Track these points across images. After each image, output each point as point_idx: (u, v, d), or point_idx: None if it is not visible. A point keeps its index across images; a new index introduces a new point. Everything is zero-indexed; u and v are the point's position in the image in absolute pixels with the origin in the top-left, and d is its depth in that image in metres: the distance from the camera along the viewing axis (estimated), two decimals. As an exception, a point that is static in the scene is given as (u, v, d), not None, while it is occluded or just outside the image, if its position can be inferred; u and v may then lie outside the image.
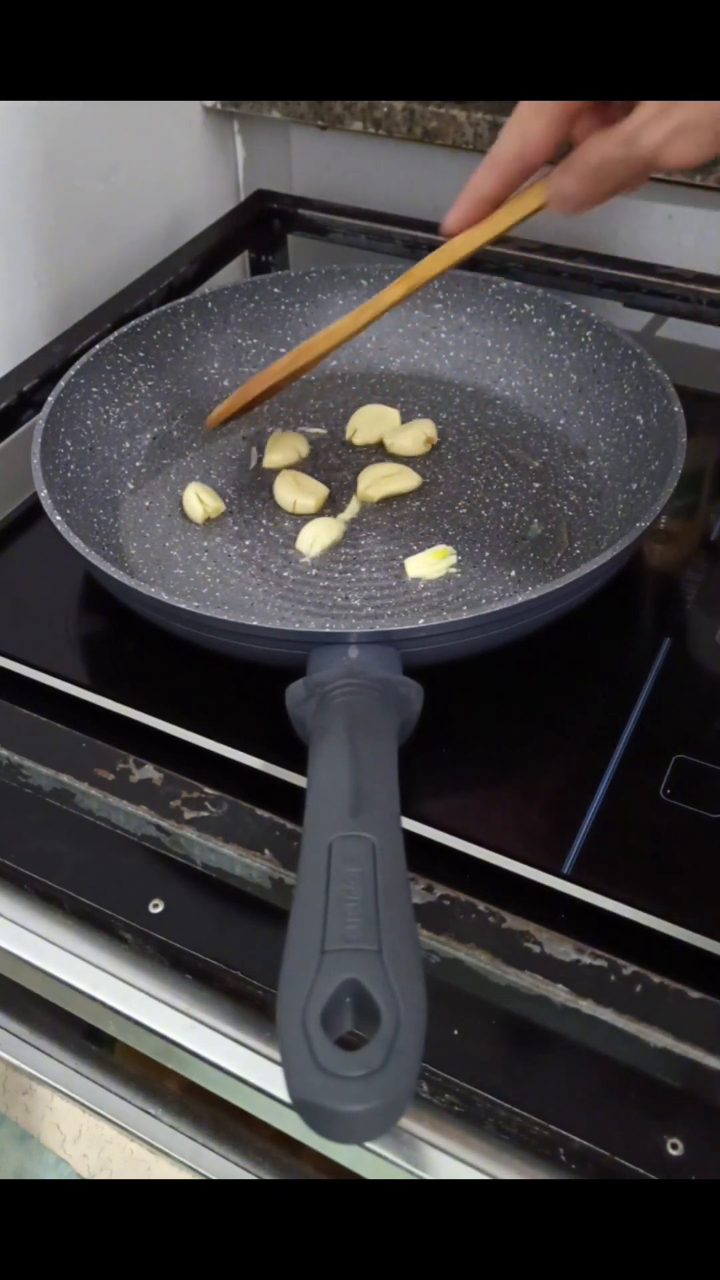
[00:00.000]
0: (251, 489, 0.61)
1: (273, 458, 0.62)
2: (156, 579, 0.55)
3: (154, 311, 0.66)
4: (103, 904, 0.44)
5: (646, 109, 0.39)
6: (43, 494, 0.52)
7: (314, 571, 0.55)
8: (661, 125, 0.39)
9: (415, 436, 0.62)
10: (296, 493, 0.59)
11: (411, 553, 0.56)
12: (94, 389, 0.62)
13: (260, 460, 0.63)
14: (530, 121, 0.44)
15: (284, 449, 0.62)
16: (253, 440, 0.64)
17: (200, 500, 0.58)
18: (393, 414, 0.64)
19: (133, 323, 0.65)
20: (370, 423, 0.64)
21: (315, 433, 0.64)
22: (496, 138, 0.45)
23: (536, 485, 0.60)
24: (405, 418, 0.65)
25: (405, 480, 0.60)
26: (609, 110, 0.43)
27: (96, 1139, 0.70)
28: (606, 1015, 0.35)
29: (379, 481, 0.60)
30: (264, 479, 0.61)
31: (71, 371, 0.60)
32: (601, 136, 0.42)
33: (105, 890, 0.45)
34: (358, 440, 0.63)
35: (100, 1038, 0.54)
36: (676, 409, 0.54)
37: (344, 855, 0.35)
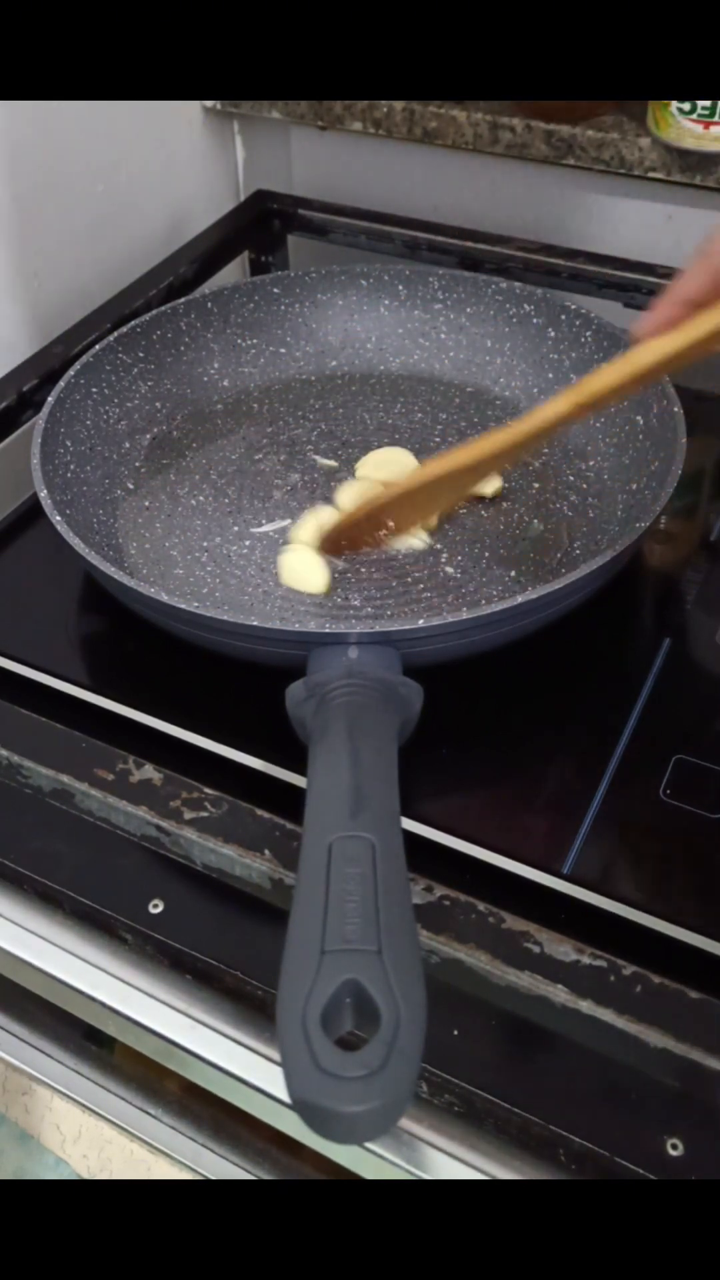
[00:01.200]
0: (251, 489, 0.61)
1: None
2: (156, 579, 0.55)
3: (154, 312, 0.66)
4: (103, 904, 0.44)
5: None
6: (42, 494, 0.52)
7: (314, 572, 0.55)
8: None
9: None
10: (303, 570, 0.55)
11: (411, 554, 0.56)
12: (94, 389, 0.62)
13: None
14: None
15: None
16: (252, 442, 0.64)
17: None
18: (408, 458, 0.61)
19: (133, 323, 0.65)
20: (380, 467, 0.61)
21: (327, 465, 0.62)
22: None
23: (536, 485, 0.60)
24: (405, 417, 0.65)
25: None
26: None
27: (96, 1139, 0.70)
28: (606, 1016, 0.35)
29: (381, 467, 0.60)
30: (265, 480, 0.62)
31: (71, 372, 0.60)
32: None
33: (105, 890, 0.45)
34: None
35: (100, 1038, 0.54)
36: (676, 409, 0.54)
37: (344, 855, 0.35)
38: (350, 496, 0.58)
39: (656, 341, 0.41)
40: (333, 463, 0.62)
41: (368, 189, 0.86)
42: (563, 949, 0.36)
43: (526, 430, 0.45)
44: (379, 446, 0.63)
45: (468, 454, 0.46)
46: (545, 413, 0.44)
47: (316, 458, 0.63)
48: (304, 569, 0.54)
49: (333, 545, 0.54)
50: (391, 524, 0.52)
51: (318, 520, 0.56)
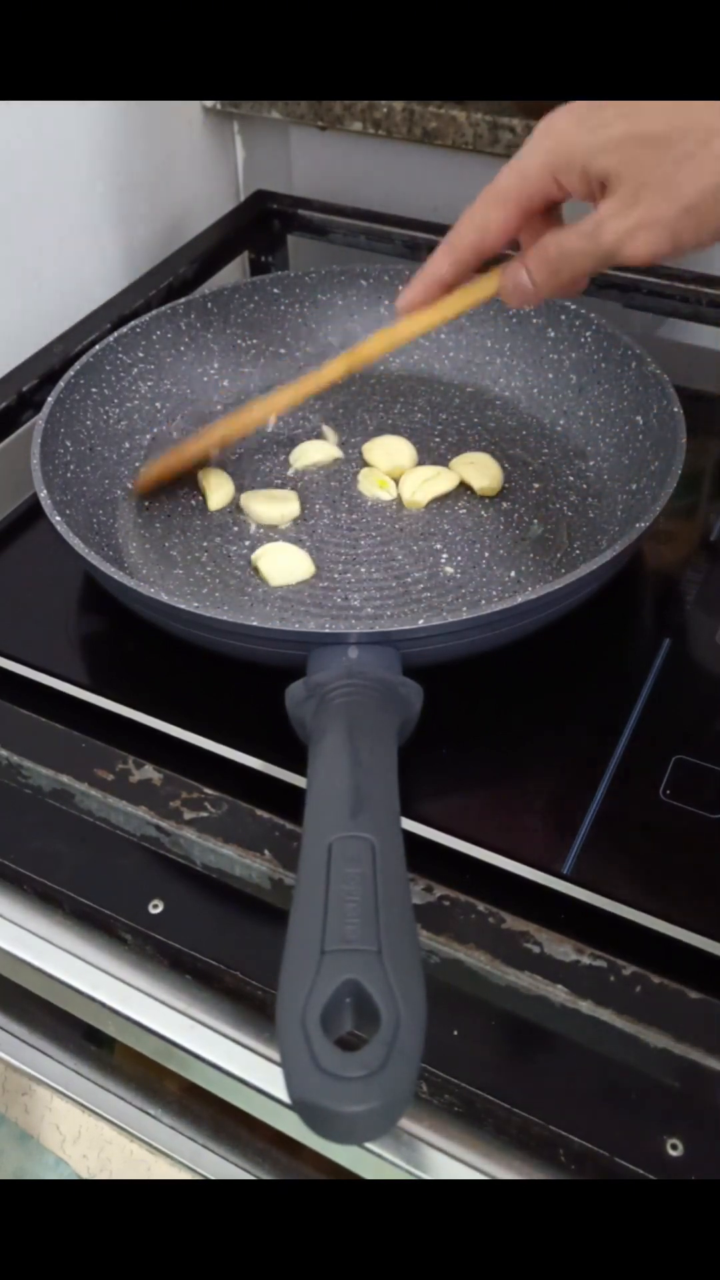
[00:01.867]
0: (251, 489, 0.61)
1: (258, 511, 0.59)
2: (156, 579, 0.55)
3: (154, 312, 0.66)
4: (102, 904, 0.44)
5: (610, 205, 0.41)
6: (42, 494, 0.52)
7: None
8: (624, 220, 0.41)
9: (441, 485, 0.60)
10: (267, 504, 0.59)
11: (411, 554, 0.56)
12: (94, 389, 0.62)
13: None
14: (490, 211, 0.46)
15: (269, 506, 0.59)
16: (250, 442, 0.64)
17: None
18: (408, 448, 0.62)
19: (132, 323, 0.65)
20: (384, 455, 0.62)
21: (333, 456, 0.63)
22: (502, 164, 0.45)
23: (536, 485, 0.60)
24: (405, 418, 0.65)
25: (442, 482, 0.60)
26: (556, 217, 0.46)
27: (96, 1139, 0.70)
28: (606, 1016, 0.35)
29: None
30: (265, 480, 0.62)
31: (71, 372, 0.60)
32: (563, 230, 0.44)
33: (105, 891, 0.45)
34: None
35: (100, 1038, 0.54)
36: (676, 410, 0.54)
37: (344, 856, 0.35)
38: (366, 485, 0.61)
39: (415, 316, 0.51)
40: (339, 454, 0.63)
41: (368, 189, 0.86)
42: (563, 949, 0.36)
43: (306, 389, 0.56)
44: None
45: (263, 409, 0.58)
46: (323, 375, 0.55)
47: (325, 426, 0.64)
48: (289, 562, 0.55)
49: (149, 487, 0.60)
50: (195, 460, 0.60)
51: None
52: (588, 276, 0.45)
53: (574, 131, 0.42)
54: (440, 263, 0.48)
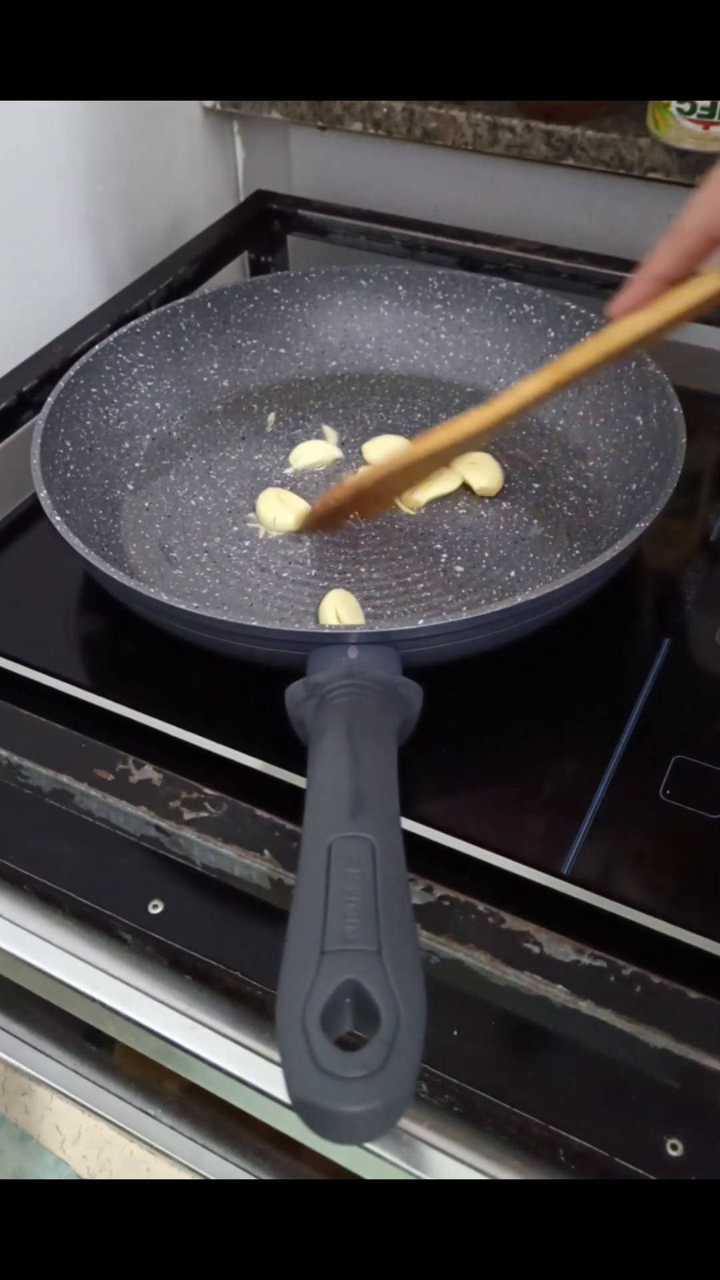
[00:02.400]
0: (251, 490, 0.61)
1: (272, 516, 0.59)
2: (156, 579, 0.55)
3: (154, 312, 0.66)
4: (102, 905, 0.44)
5: None
6: (42, 494, 0.52)
7: (313, 572, 0.55)
8: None
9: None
10: (278, 508, 0.58)
11: (411, 554, 0.56)
12: (93, 389, 0.62)
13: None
14: None
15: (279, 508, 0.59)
16: (252, 442, 0.64)
17: (337, 614, 0.52)
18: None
19: (132, 323, 0.65)
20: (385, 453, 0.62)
21: (332, 456, 0.63)
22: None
23: (536, 485, 0.60)
24: (405, 418, 0.65)
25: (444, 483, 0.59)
26: None
27: (96, 1140, 0.70)
28: (606, 1016, 0.35)
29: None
30: (264, 480, 0.62)
31: (71, 372, 0.60)
32: None
33: (105, 891, 0.45)
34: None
35: (100, 1038, 0.54)
36: (676, 409, 0.54)
37: (344, 856, 0.35)
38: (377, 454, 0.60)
39: (631, 319, 0.43)
40: (338, 453, 0.63)
41: (368, 189, 0.86)
42: (562, 949, 0.36)
43: (508, 407, 0.47)
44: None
45: (452, 432, 0.48)
46: (525, 390, 0.46)
47: (325, 426, 0.64)
48: (282, 506, 0.56)
49: (317, 524, 0.56)
50: (374, 502, 0.55)
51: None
52: None
53: None
54: (663, 254, 0.42)
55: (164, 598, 0.46)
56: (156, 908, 0.44)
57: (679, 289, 0.42)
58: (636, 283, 0.43)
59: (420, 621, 0.45)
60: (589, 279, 0.73)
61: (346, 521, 0.56)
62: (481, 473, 0.59)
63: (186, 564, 0.56)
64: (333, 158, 0.87)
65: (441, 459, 0.51)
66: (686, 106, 0.65)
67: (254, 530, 0.58)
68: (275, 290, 0.69)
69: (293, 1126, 0.42)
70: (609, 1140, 0.37)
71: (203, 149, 0.86)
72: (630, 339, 0.43)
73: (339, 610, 0.51)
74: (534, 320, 0.66)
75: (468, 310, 0.68)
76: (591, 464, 0.60)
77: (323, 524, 0.56)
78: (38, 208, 0.71)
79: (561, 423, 0.63)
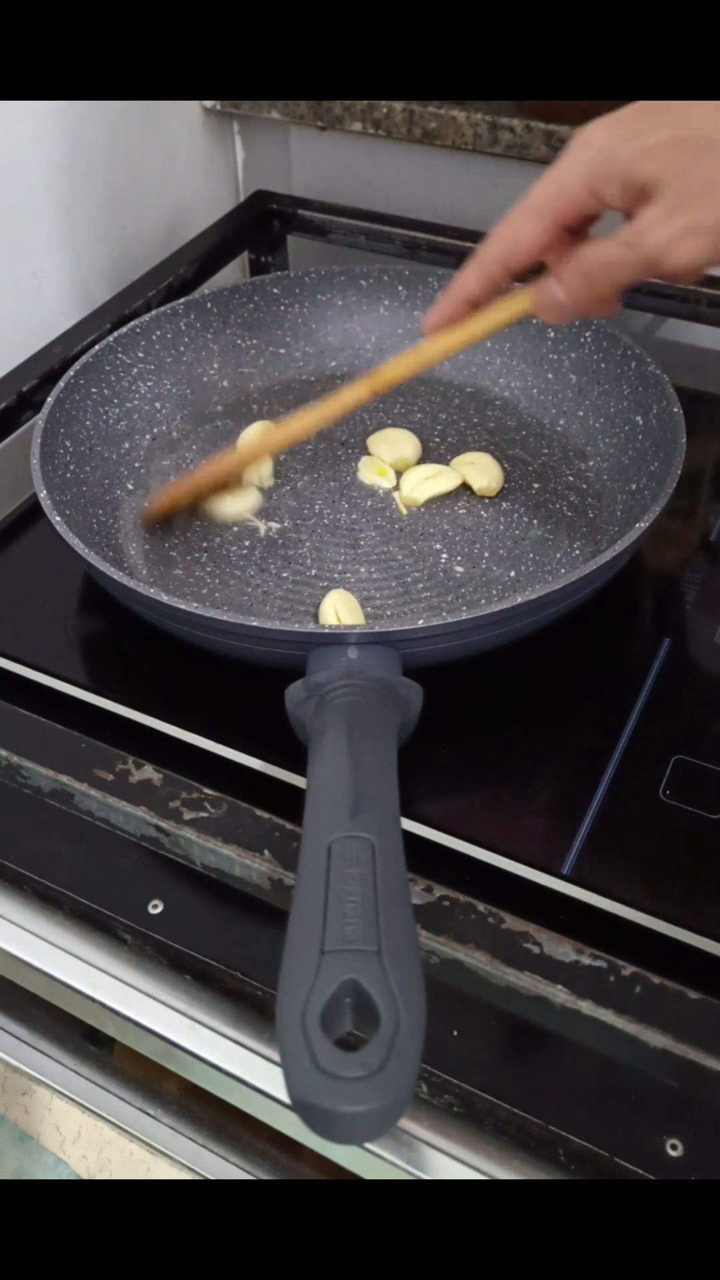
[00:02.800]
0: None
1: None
2: (156, 580, 0.55)
3: (153, 312, 0.66)
4: (102, 905, 0.44)
5: (653, 212, 0.39)
6: (42, 494, 0.52)
7: (313, 572, 0.55)
8: (668, 227, 0.39)
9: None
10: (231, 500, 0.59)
11: (411, 554, 0.56)
12: (93, 390, 0.62)
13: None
14: (522, 224, 0.43)
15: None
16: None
17: (337, 614, 0.52)
18: (409, 437, 0.63)
19: (132, 323, 0.65)
20: (389, 448, 0.62)
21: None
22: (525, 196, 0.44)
23: (536, 485, 0.60)
24: (405, 418, 0.65)
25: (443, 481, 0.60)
26: (585, 237, 0.44)
27: (96, 1140, 0.70)
28: (606, 1016, 0.35)
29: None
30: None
31: (71, 372, 0.60)
32: (600, 242, 0.42)
33: (105, 891, 0.45)
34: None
35: (100, 1039, 0.54)
36: (676, 410, 0.54)
37: (343, 856, 0.35)
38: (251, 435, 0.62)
39: (440, 337, 0.48)
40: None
41: (367, 189, 0.86)
42: (562, 949, 0.36)
43: (327, 413, 0.53)
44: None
45: (281, 435, 0.55)
46: (345, 397, 0.52)
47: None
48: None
49: (156, 518, 0.58)
50: (206, 492, 0.59)
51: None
52: (622, 292, 0.44)
53: (614, 140, 0.40)
54: (468, 279, 0.46)
55: (164, 598, 0.46)
56: (156, 908, 0.44)
57: (484, 310, 0.48)
58: (444, 303, 0.48)
59: (420, 621, 0.45)
60: (589, 279, 0.73)
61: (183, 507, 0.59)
62: (481, 473, 0.59)
63: (186, 564, 0.56)
64: (333, 158, 0.87)
65: (262, 457, 0.58)
66: (686, 106, 0.64)
67: (254, 530, 0.58)
68: (275, 290, 0.69)
69: (293, 1126, 0.42)
70: (609, 1140, 0.37)
71: (203, 149, 0.86)
72: (439, 354, 0.49)
73: (338, 610, 0.51)
74: (533, 320, 0.65)
75: (468, 310, 0.68)
76: (591, 464, 0.60)
77: (158, 519, 0.59)
78: (38, 208, 0.71)
79: (561, 423, 0.63)
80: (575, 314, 0.45)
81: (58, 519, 0.50)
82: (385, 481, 0.60)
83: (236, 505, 0.59)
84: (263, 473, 0.61)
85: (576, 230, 0.44)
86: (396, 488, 0.60)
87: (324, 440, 0.64)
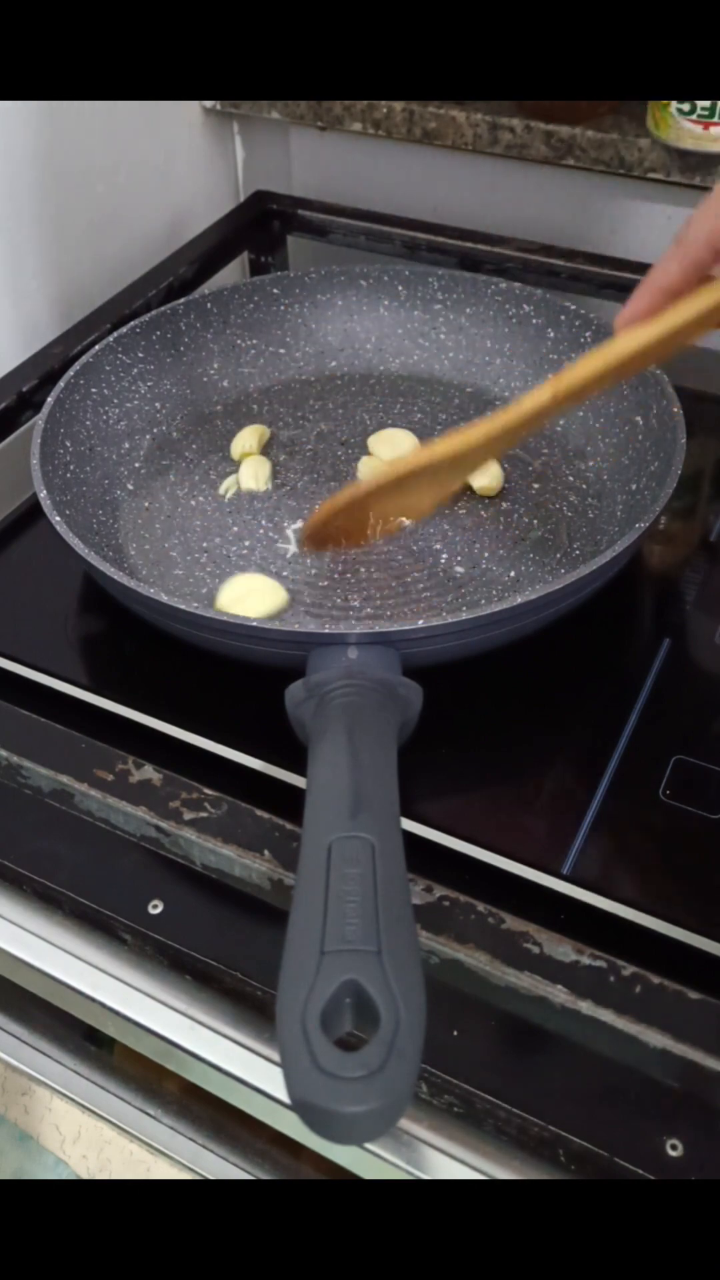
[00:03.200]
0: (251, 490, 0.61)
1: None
2: (156, 580, 0.55)
3: (153, 312, 0.66)
4: (102, 905, 0.44)
5: None
6: (42, 495, 0.52)
7: (313, 572, 0.55)
8: None
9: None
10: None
11: (411, 554, 0.56)
12: (93, 390, 0.62)
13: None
14: None
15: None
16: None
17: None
18: (410, 438, 0.63)
19: (132, 323, 0.65)
20: (389, 448, 0.62)
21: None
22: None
23: (536, 486, 0.60)
24: (405, 418, 0.65)
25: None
26: None
27: (96, 1140, 0.70)
28: (606, 1016, 0.35)
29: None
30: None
31: (71, 372, 0.60)
32: None
33: (104, 891, 0.45)
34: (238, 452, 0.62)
35: (99, 1039, 0.54)
36: (676, 410, 0.54)
37: (343, 856, 0.35)
38: (366, 472, 0.59)
39: (635, 330, 0.41)
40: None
41: (367, 189, 0.86)
42: (562, 949, 0.36)
43: (507, 422, 0.44)
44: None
45: (450, 445, 0.46)
46: (525, 404, 0.44)
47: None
48: (253, 594, 0.53)
49: (318, 539, 0.53)
50: (374, 517, 0.51)
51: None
52: None
53: None
54: (668, 264, 0.41)
55: (164, 598, 0.46)
56: (156, 908, 0.44)
57: (684, 300, 0.41)
58: (641, 294, 0.42)
59: (420, 622, 0.45)
60: (589, 279, 0.73)
61: (351, 543, 0.53)
62: (481, 473, 0.59)
63: (186, 565, 0.56)
64: (333, 158, 0.87)
65: (440, 474, 0.48)
66: (686, 107, 0.65)
67: (254, 530, 0.58)
68: (275, 290, 0.69)
69: (293, 1127, 0.42)
70: (609, 1140, 0.37)
71: (203, 149, 0.86)
72: (633, 351, 0.41)
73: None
74: (534, 320, 0.66)
75: (467, 310, 0.68)
76: (591, 464, 0.60)
77: (324, 541, 0.54)
78: (37, 208, 0.71)
79: (561, 423, 0.63)
80: None
81: (58, 519, 0.50)
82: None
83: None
84: (260, 475, 0.61)
85: None
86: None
87: (324, 441, 0.64)
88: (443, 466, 0.47)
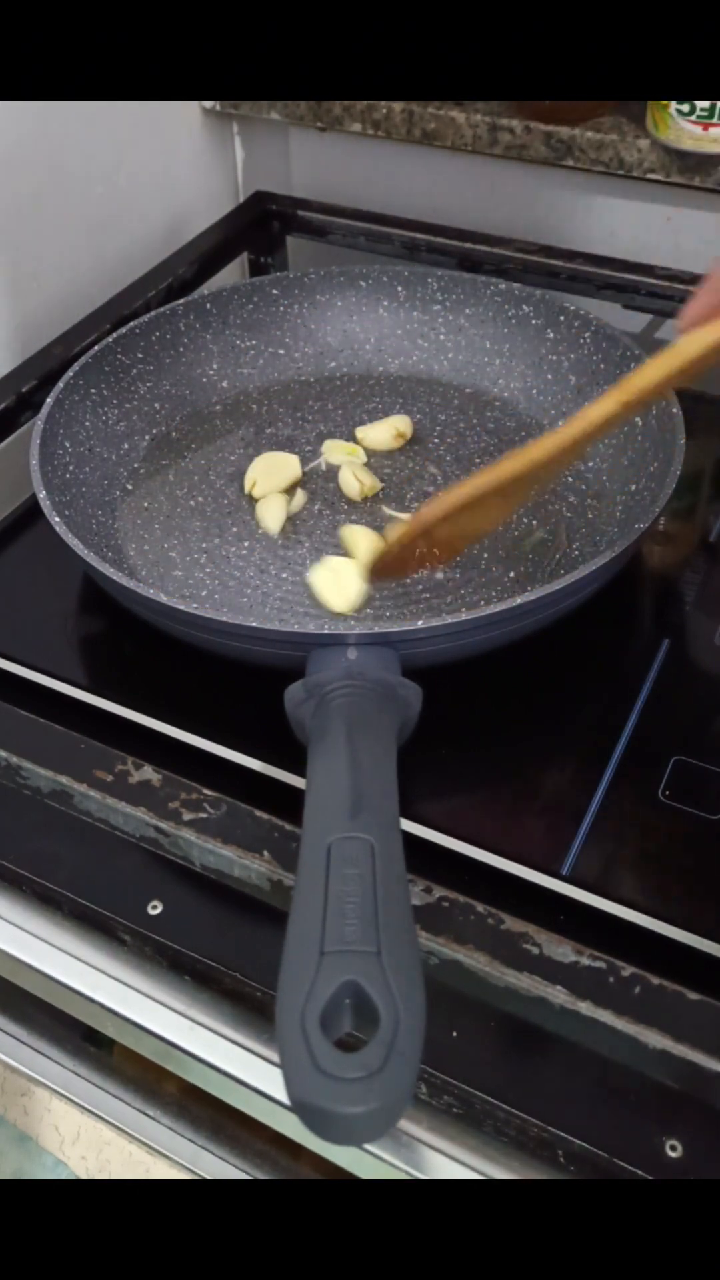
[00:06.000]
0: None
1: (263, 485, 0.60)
2: (155, 580, 0.55)
3: (153, 313, 0.66)
4: (101, 905, 0.44)
5: None
6: (41, 495, 0.52)
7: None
8: None
9: (387, 431, 0.63)
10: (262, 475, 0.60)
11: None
12: (93, 390, 0.62)
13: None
14: None
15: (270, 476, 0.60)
16: (251, 441, 0.64)
17: (358, 479, 0.55)
18: (293, 460, 0.61)
19: (131, 324, 0.65)
20: (268, 473, 0.61)
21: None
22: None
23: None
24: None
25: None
26: None
27: (95, 1141, 0.70)
28: (605, 1017, 0.35)
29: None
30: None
31: (70, 373, 0.60)
32: None
33: (104, 892, 0.45)
34: (257, 492, 0.60)
35: (99, 1039, 0.54)
36: (675, 410, 0.54)
37: (343, 856, 0.35)
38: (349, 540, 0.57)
39: (702, 331, 0.39)
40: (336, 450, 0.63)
41: (367, 190, 0.86)
42: (562, 950, 0.36)
43: (574, 434, 0.43)
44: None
45: (517, 463, 0.44)
46: (591, 415, 0.42)
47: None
48: (337, 584, 0.53)
49: (385, 571, 0.50)
50: (438, 548, 0.48)
51: (368, 541, 0.55)
52: None
53: None
54: None
55: (163, 598, 0.46)
56: (156, 909, 0.44)
57: None
58: (703, 293, 0.39)
59: (419, 622, 0.45)
60: (588, 280, 0.73)
61: (416, 568, 0.50)
62: None
63: (185, 565, 0.56)
64: (332, 158, 0.87)
65: (508, 492, 0.46)
66: (686, 107, 0.65)
67: (254, 530, 0.58)
68: (275, 291, 0.69)
69: (292, 1127, 0.42)
70: (608, 1141, 0.37)
71: (202, 149, 0.86)
72: (700, 353, 0.39)
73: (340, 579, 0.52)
74: (533, 321, 0.65)
75: (467, 311, 0.68)
76: (591, 464, 0.60)
77: (391, 569, 0.50)
78: (37, 208, 0.71)
79: (560, 424, 0.63)
80: None
81: (57, 519, 0.50)
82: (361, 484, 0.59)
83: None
84: (276, 517, 0.59)
85: None
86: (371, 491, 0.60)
87: (323, 441, 0.64)
88: (510, 485, 0.45)
